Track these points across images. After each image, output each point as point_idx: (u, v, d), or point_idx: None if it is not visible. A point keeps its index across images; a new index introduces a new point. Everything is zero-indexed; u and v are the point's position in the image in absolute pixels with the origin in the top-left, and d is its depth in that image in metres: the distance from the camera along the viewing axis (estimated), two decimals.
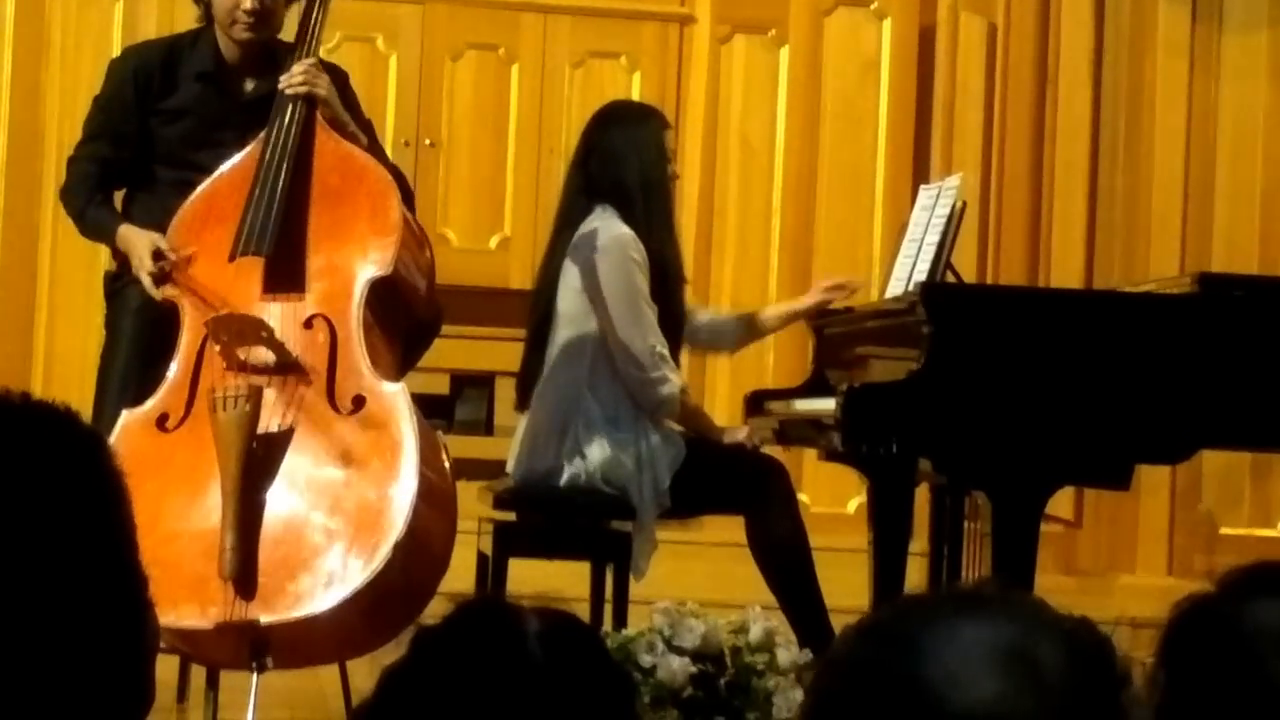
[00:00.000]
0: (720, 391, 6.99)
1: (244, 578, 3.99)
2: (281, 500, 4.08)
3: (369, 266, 4.34)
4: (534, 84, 7.22)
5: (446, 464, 4.26)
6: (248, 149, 4.49)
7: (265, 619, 3.97)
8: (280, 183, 4.39)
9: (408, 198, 4.58)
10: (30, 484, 1.56)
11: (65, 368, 6.67)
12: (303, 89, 4.45)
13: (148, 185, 4.65)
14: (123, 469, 1.68)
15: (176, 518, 4.09)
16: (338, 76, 4.66)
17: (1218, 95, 6.86)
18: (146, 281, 4.39)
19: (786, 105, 7.30)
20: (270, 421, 4.15)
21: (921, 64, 7.32)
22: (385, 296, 4.39)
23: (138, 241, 4.44)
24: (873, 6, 7.35)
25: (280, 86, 4.48)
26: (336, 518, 4.06)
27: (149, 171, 4.64)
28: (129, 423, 4.24)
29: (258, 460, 4.08)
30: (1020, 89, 7.16)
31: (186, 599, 3.97)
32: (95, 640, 1.56)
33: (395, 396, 4.20)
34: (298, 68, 4.48)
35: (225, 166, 4.49)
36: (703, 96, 7.26)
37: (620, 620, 4.80)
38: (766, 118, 7.30)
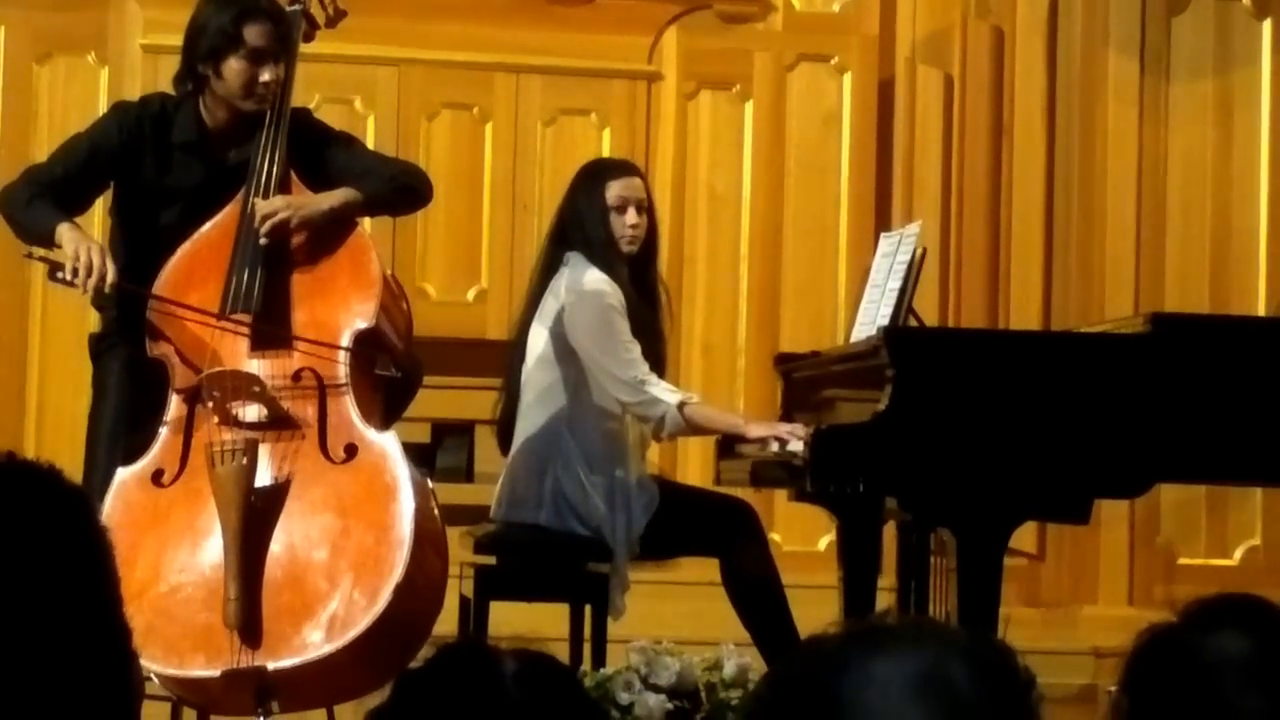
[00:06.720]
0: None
1: (249, 626, 4.02)
2: (282, 549, 4.12)
3: (353, 319, 4.38)
4: (507, 142, 7.26)
5: (436, 508, 4.31)
6: (226, 208, 4.51)
7: (272, 665, 4.01)
8: (262, 241, 4.40)
9: (413, 199, 4.73)
10: (14, 541, 1.57)
11: (57, 426, 6.66)
12: (273, 230, 4.40)
13: (156, 261, 4.51)
14: (106, 525, 1.68)
15: (179, 570, 4.14)
16: (299, 120, 4.66)
17: (1167, 142, 6.99)
18: (89, 283, 4.24)
19: (752, 158, 7.38)
20: (267, 474, 4.20)
21: (881, 116, 7.41)
22: (369, 348, 4.44)
23: (82, 242, 4.30)
24: (833, 61, 7.43)
25: (255, 227, 4.41)
26: (337, 564, 4.10)
27: (154, 251, 4.52)
28: (125, 480, 4.27)
29: (257, 512, 4.11)
30: (977, 138, 7.26)
31: (193, 649, 4.04)
32: (81, 692, 1.57)
33: (386, 444, 4.25)
34: (263, 210, 4.42)
35: (205, 226, 4.51)
36: (671, 150, 7.34)
37: (599, 659, 4.84)
38: (733, 170, 7.38)
